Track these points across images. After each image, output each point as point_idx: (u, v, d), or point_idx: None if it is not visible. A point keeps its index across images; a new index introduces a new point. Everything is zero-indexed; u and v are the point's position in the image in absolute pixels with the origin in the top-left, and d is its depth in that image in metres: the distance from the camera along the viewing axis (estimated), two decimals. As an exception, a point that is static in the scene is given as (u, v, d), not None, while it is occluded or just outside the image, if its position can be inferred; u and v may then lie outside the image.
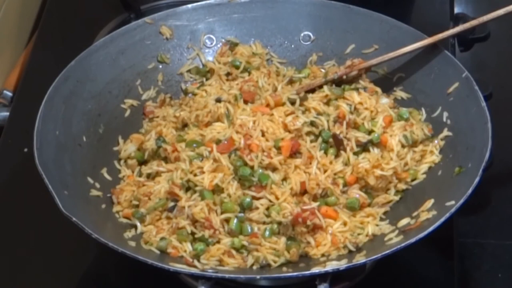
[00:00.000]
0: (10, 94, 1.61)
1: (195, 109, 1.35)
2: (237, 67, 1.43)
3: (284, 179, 1.26)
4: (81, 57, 1.37)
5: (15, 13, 1.73)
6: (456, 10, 1.69)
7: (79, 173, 1.28)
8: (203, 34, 1.46)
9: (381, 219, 1.26)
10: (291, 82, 1.42)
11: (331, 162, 1.29)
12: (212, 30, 1.46)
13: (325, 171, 1.28)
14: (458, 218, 1.34)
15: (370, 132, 1.32)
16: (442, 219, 1.16)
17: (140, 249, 1.21)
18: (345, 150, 1.30)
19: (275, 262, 1.20)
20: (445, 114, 1.34)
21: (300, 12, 1.46)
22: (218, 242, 1.22)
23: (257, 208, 1.23)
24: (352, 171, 1.28)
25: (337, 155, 1.30)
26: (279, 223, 1.22)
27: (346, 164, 1.29)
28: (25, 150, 1.45)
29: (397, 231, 1.22)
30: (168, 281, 1.28)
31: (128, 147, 1.35)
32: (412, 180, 1.30)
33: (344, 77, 1.40)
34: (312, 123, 1.31)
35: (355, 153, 1.30)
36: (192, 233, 1.22)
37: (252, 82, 1.39)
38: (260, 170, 1.25)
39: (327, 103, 1.35)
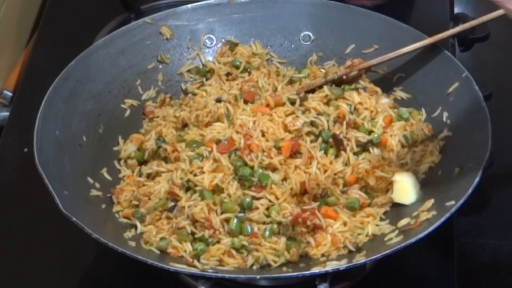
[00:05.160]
0: (10, 94, 1.61)
1: (195, 109, 1.35)
2: (237, 67, 1.43)
3: (284, 179, 1.26)
4: (81, 57, 1.38)
5: (15, 13, 1.73)
6: (456, 10, 1.69)
7: (79, 173, 1.28)
8: (203, 34, 1.46)
9: (381, 219, 1.26)
10: (291, 82, 1.42)
11: (331, 162, 1.29)
12: (212, 30, 1.46)
13: (325, 171, 1.28)
14: (458, 218, 1.34)
15: (370, 132, 1.32)
16: (442, 219, 1.16)
17: (140, 249, 1.21)
18: (345, 150, 1.30)
19: (275, 262, 1.20)
20: (445, 114, 1.34)
21: (300, 12, 1.46)
22: (218, 242, 1.22)
23: (257, 208, 1.23)
24: (352, 171, 1.28)
25: (337, 155, 1.30)
26: (279, 223, 1.22)
27: (346, 164, 1.29)
28: (25, 150, 1.45)
29: (397, 231, 1.22)
30: (168, 281, 1.28)
31: (128, 147, 1.35)
32: (412, 180, 1.30)
33: (344, 77, 1.39)
34: (312, 123, 1.31)
35: (355, 153, 1.30)
36: (192, 233, 1.22)
37: (252, 82, 1.39)
38: (260, 170, 1.25)
39: (327, 103, 1.35)
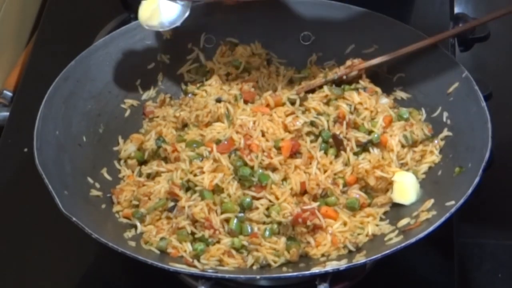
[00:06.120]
0: (10, 94, 1.61)
1: (195, 109, 1.35)
2: (237, 67, 1.43)
3: (284, 179, 1.26)
4: (81, 57, 1.38)
5: (15, 13, 1.73)
6: (456, 10, 1.69)
7: (79, 173, 1.28)
8: (203, 34, 1.46)
9: (381, 219, 1.26)
10: (291, 82, 1.42)
11: (331, 162, 1.29)
12: (212, 30, 1.46)
13: (325, 171, 1.28)
14: (458, 218, 1.34)
15: (370, 132, 1.32)
16: (442, 219, 1.16)
17: (140, 249, 1.21)
18: (345, 150, 1.30)
19: (275, 262, 1.20)
20: (445, 114, 1.34)
21: (300, 12, 1.46)
22: (218, 242, 1.22)
23: (257, 208, 1.23)
24: (352, 171, 1.28)
25: (337, 155, 1.30)
26: (279, 223, 1.22)
27: (346, 164, 1.29)
28: (25, 150, 1.45)
29: (397, 231, 1.22)
30: (168, 281, 1.28)
31: (128, 147, 1.35)
32: (412, 180, 1.30)
33: (344, 77, 1.39)
34: (312, 123, 1.31)
35: (355, 153, 1.30)
36: (192, 233, 1.22)
37: (252, 82, 1.40)
38: (260, 170, 1.25)
39: (327, 103, 1.35)
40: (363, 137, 1.31)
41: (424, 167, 1.30)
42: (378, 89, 1.39)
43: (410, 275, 1.32)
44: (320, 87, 1.38)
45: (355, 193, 1.27)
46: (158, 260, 1.19)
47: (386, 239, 1.21)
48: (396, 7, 1.56)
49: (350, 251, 1.22)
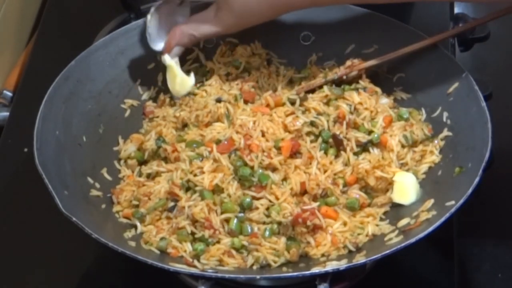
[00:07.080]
0: (10, 94, 1.61)
1: (195, 109, 1.35)
2: (237, 67, 1.43)
3: (284, 179, 1.26)
4: (81, 57, 1.37)
5: (15, 13, 1.73)
6: (456, 10, 1.69)
7: (79, 173, 1.28)
8: (203, 34, 1.45)
9: (381, 219, 1.26)
10: (291, 82, 1.42)
11: (331, 162, 1.29)
12: (212, 30, 1.46)
13: (325, 171, 1.28)
14: (458, 218, 1.34)
15: (370, 132, 1.32)
16: (442, 219, 1.16)
17: (140, 249, 1.21)
18: (345, 150, 1.30)
19: (275, 262, 1.20)
20: (445, 114, 1.34)
21: (300, 12, 1.45)
22: (218, 242, 1.22)
23: (257, 208, 1.23)
24: (352, 172, 1.28)
25: (337, 155, 1.30)
26: (279, 223, 1.22)
27: (346, 164, 1.29)
28: (25, 150, 1.45)
29: (397, 231, 1.22)
30: (168, 281, 1.28)
31: (128, 147, 1.35)
32: (412, 180, 1.30)
33: (344, 77, 1.39)
34: (312, 123, 1.31)
35: (355, 153, 1.30)
36: (192, 233, 1.22)
37: (252, 82, 1.40)
38: (260, 170, 1.25)
39: (327, 103, 1.35)
40: (363, 137, 1.31)
41: (424, 167, 1.30)
42: (378, 89, 1.39)
43: (410, 275, 1.32)
44: (320, 87, 1.38)
45: (355, 193, 1.27)
46: (158, 260, 1.19)
47: (386, 239, 1.21)
48: (396, 7, 1.56)
49: (350, 251, 1.22)
